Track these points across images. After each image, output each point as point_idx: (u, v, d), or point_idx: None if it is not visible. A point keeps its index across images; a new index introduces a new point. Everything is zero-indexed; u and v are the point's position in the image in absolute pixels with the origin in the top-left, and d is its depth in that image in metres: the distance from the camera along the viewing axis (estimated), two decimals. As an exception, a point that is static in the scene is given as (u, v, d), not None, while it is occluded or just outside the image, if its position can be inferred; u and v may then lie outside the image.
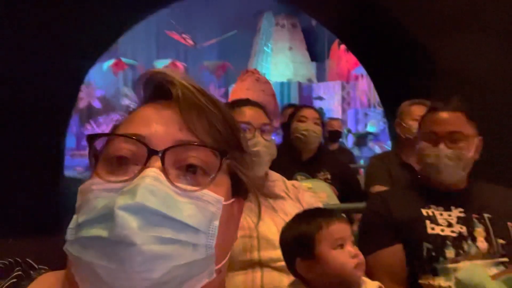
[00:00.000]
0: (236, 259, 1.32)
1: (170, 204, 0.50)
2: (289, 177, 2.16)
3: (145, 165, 0.52)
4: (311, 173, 2.37)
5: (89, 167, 0.57)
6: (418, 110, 2.19)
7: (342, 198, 2.26)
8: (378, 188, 2.07)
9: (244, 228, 1.37)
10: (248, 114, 1.54)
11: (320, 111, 2.64)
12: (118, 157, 0.54)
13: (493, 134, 1.52)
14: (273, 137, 1.73)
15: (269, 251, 1.33)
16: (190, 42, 10.20)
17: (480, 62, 2.63)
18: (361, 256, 1.10)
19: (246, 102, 1.62)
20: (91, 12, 2.79)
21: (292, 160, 2.42)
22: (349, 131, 7.81)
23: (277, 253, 1.24)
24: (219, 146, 0.56)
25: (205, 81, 9.77)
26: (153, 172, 0.51)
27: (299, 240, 1.18)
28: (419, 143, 1.52)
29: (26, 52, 2.65)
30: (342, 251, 1.12)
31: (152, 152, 0.52)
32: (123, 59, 8.43)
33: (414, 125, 2.17)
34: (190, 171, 0.54)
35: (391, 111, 2.86)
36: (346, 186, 2.39)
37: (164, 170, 0.52)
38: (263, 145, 1.50)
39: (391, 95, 3.23)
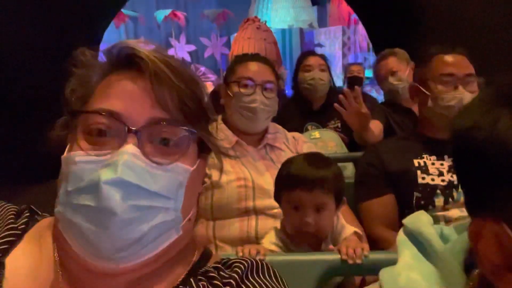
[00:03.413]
0: (233, 207, 1.40)
1: (146, 177, 0.57)
2: (300, 128, 2.26)
3: (123, 140, 0.57)
4: (322, 123, 2.38)
5: (69, 137, 0.62)
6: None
7: (353, 146, 2.25)
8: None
9: (241, 179, 1.43)
10: (252, 69, 1.50)
11: (325, 57, 2.56)
12: (97, 130, 0.59)
13: (484, 75, 1.52)
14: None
15: (263, 200, 1.39)
16: (189, -12, 9.96)
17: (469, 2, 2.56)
18: (312, 225, 1.17)
19: (253, 57, 1.58)
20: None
21: (302, 111, 2.43)
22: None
23: (271, 201, 1.32)
24: (189, 121, 0.62)
25: (206, 30, 9.72)
26: (130, 148, 0.57)
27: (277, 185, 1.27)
28: (430, 86, 1.48)
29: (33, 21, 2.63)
30: (297, 213, 1.19)
31: (129, 130, 0.58)
32: (124, 11, 8.32)
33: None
34: (163, 144, 0.60)
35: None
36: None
37: (140, 146, 0.58)
38: (261, 102, 1.47)
39: (382, 40, 3.21)
